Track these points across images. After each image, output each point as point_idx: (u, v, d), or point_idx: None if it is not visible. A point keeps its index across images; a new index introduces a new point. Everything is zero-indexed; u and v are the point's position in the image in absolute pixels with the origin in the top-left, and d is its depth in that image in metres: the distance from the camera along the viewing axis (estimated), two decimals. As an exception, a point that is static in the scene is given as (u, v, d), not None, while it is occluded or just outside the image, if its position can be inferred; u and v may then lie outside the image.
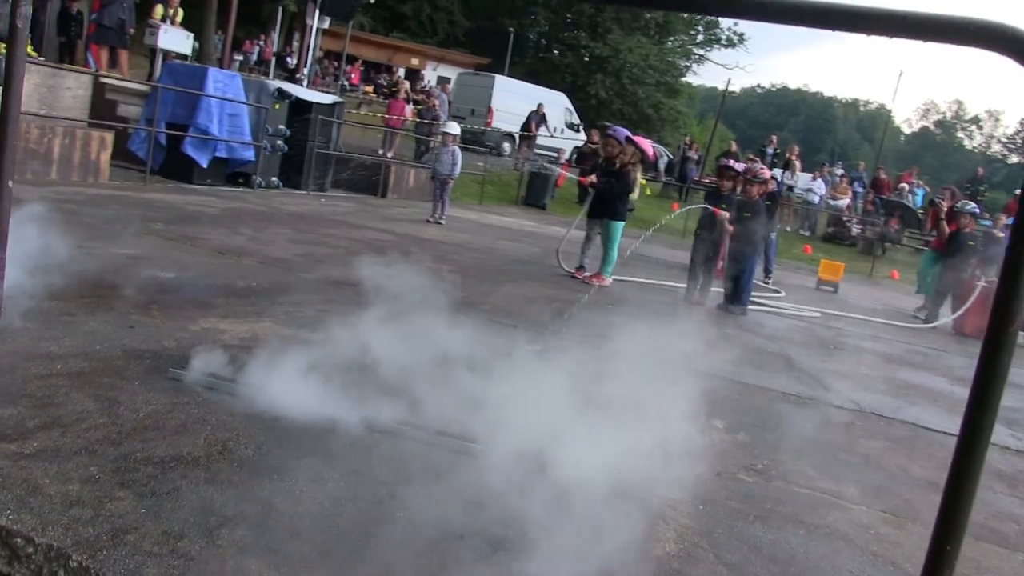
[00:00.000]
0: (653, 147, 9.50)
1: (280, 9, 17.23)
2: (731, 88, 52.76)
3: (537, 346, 5.45)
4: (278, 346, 4.39)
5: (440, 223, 12.86)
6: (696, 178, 24.89)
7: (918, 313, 11.39)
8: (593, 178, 9.05)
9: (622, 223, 9.01)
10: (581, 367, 4.31)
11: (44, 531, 2.16)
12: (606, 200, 8.94)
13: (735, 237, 8.65)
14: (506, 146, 28.54)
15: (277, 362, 4.04)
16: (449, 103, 27.51)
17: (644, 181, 26.07)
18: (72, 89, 13.04)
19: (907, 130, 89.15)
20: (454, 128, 13.64)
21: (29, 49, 12.48)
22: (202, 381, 3.58)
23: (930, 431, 5.17)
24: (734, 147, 24.71)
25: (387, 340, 4.23)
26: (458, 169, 13.22)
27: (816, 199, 22.26)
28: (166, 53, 15.16)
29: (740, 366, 6.13)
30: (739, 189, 8.98)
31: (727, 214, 8.64)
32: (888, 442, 4.74)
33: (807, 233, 22.03)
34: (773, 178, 12.79)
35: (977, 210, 12.99)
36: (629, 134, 9.30)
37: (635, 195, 9.03)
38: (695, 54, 51.30)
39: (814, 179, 22.86)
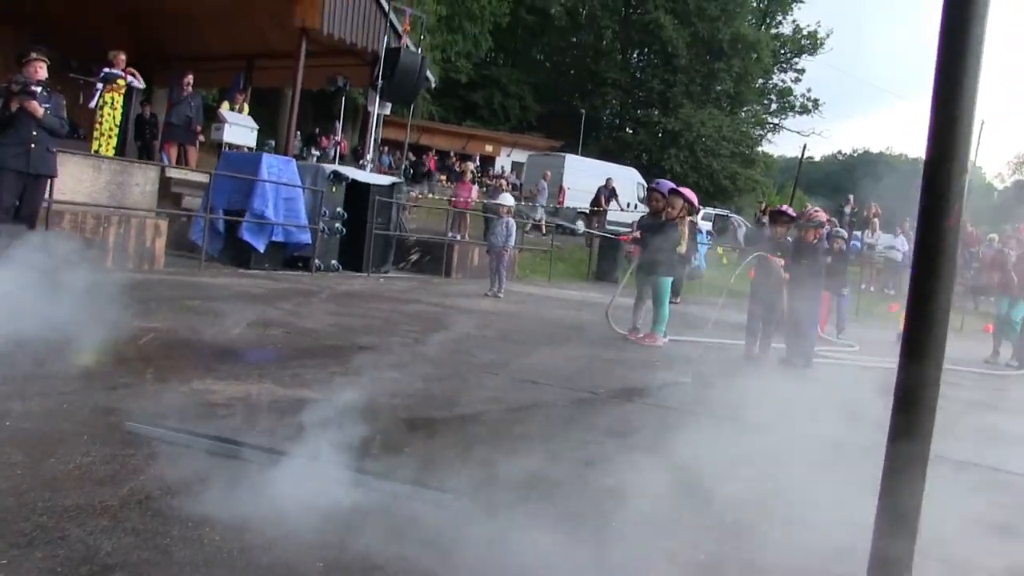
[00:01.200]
0: (697, 196, 9.12)
1: (343, 100, 17.52)
2: (810, 155, 51.87)
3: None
4: (264, 404, 4.16)
5: (498, 296, 12.60)
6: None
7: (1011, 361, 10.52)
8: (637, 233, 8.69)
9: (670, 279, 8.59)
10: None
11: None
12: (654, 256, 8.55)
13: (793, 285, 8.12)
14: (580, 224, 28.40)
15: (252, 418, 3.79)
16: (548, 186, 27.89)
17: (721, 250, 25.63)
18: (140, 184, 13.42)
19: (999, 185, 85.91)
20: (508, 200, 13.52)
21: (107, 150, 13.05)
22: (162, 435, 3.32)
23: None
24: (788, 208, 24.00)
25: (384, 399, 3.94)
26: (512, 241, 13.03)
27: (899, 256, 21.27)
28: (230, 145, 15.58)
29: (791, 421, 5.58)
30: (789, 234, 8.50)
31: (781, 260, 8.13)
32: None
33: (892, 292, 21.01)
34: (840, 236, 12.20)
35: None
36: (673, 186, 8.94)
37: (683, 248, 8.60)
38: (769, 123, 50.84)
39: (896, 236, 21.91)
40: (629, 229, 23.30)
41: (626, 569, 2.59)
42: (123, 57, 13.24)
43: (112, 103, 13.03)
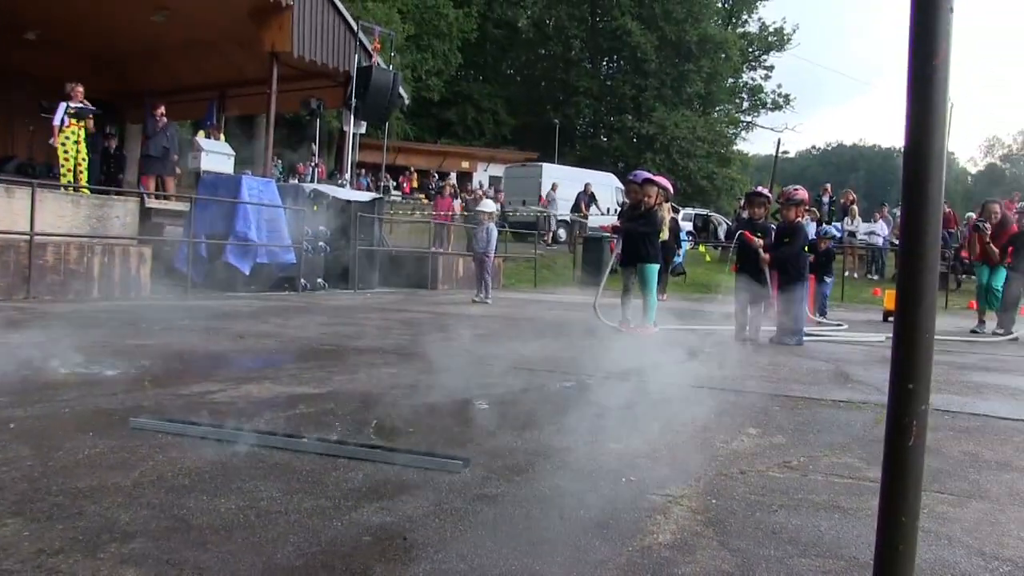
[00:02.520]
0: (672, 181, 9.21)
1: (317, 122, 17.57)
2: (785, 150, 52.29)
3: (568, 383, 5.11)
4: (266, 397, 4.18)
5: (487, 302, 12.63)
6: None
7: (996, 330, 10.63)
8: (616, 222, 8.75)
9: (656, 266, 8.64)
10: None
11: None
12: (636, 244, 8.60)
13: (776, 264, 8.20)
14: (561, 232, 28.50)
15: (256, 411, 3.81)
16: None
17: (703, 248, 25.76)
18: (120, 217, 13.39)
19: (973, 169, 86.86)
20: (489, 206, 13.58)
21: (83, 181, 12.95)
22: (167, 428, 3.33)
23: (1003, 419, 4.59)
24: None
25: (383, 390, 3.97)
26: (493, 245, 13.07)
27: (880, 240, 21.46)
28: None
29: (786, 383, 5.64)
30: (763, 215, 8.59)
31: (760, 241, 8.20)
32: (953, 432, 4.19)
33: (876, 277, 21.19)
34: (829, 236, 12.32)
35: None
36: (647, 175, 9.00)
37: (665, 234, 8.65)
38: (743, 121, 51.23)
39: (875, 221, 22.11)
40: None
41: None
42: (81, 89, 13.09)
43: (76, 136, 12.89)
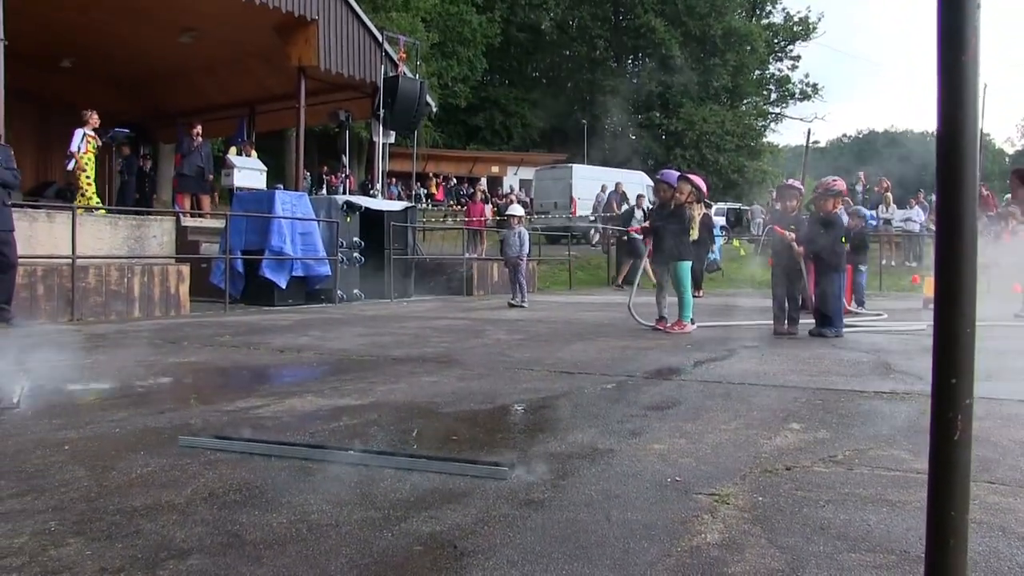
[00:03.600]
0: (706, 180, 9.13)
1: (347, 134, 17.73)
2: (816, 140, 51.80)
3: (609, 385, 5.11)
4: (310, 411, 4.23)
5: (523, 306, 12.65)
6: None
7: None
8: (647, 224, 8.73)
9: (689, 263, 8.60)
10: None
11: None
12: (667, 243, 8.57)
13: (812, 256, 8.13)
14: (594, 234, 28.44)
15: (300, 425, 3.87)
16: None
17: (737, 242, 25.58)
18: (157, 236, 13.64)
19: (1011, 149, 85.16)
20: (518, 210, 13.61)
21: (94, 202, 13.14)
22: (215, 445, 3.39)
23: (1054, 406, 4.53)
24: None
25: (425, 399, 4.00)
26: (526, 249, 13.10)
27: (917, 227, 21.17)
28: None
29: (827, 376, 5.60)
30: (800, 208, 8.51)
31: (791, 234, 8.13)
32: (1002, 420, 4.14)
33: (914, 264, 20.90)
34: (859, 215, 12.18)
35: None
36: (680, 173, 8.97)
37: (695, 233, 8.60)
38: (771, 113, 50.81)
39: (911, 207, 21.82)
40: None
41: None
42: (95, 115, 13.24)
43: (89, 160, 13.09)
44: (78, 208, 10.99)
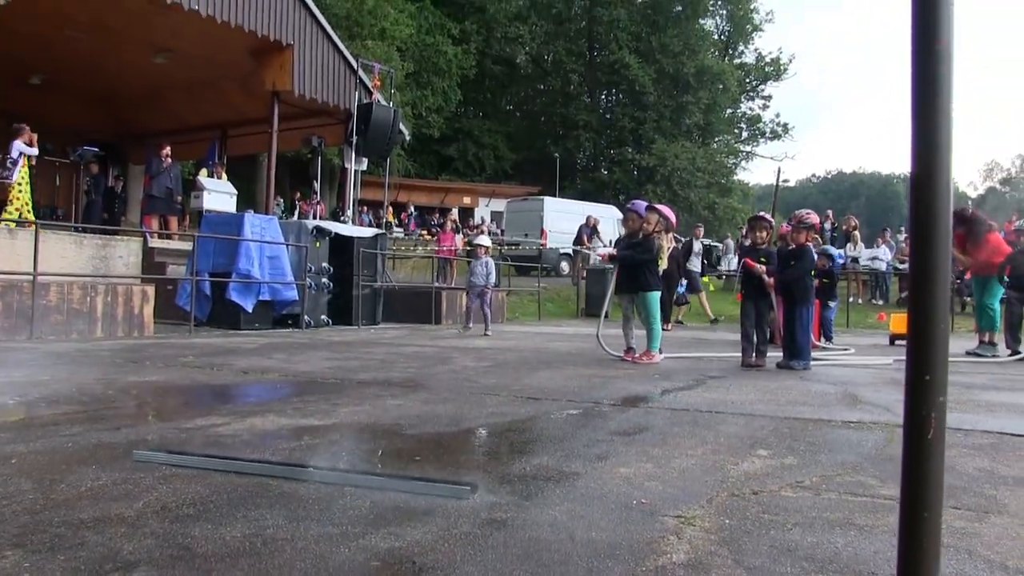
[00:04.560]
0: (675, 211, 9.17)
1: (319, 160, 17.67)
2: (786, 179, 52.56)
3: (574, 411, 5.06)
4: (271, 430, 4.14)
5: (487, 335, 12.59)
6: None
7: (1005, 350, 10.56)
8: (612, 250, 8.74)
9: (657, 293, 8.60)
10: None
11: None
12: (634, 273, 8.57)
13: (781, 288, 8.17)
14: (564, 266, 28.52)
15: (262, 441, 3.78)
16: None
17: (707, 278, 25.72)
18: (123, 256, 13.41)
19: (973, 193, 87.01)
20: (485, 240, 13.63)
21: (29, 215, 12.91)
22: (172, 460, 3.29)
23: (1016, 436, 4.53)
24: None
25: (389, 421, 3.93)
26: (493, 278, 13.08)
27: (883, 265, 21.43)
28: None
29: (794, 406, 5.59)
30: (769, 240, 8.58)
31: (761, 267, 8.18)
32: (968, 449, 4.14)
33: (880, 301, 21.13)
34: (827, 254, 12.30)
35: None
36: (648, 203, 9.01)
37: (664, 264, 8.62)
38: (742, 151, 51.49)
39: (878, 246, 22.10)
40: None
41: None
42: (27, 129, 13.07)
43: (24, 176, 12.91)
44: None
